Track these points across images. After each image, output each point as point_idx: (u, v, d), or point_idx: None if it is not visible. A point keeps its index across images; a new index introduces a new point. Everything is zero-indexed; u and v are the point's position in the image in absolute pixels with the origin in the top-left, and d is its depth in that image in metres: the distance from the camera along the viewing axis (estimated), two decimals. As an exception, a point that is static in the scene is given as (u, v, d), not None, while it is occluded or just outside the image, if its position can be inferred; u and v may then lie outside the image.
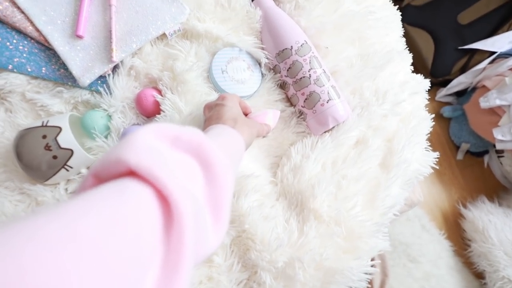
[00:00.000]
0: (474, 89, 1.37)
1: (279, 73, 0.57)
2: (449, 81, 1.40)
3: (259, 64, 0.58)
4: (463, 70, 1.38)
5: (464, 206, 1.33)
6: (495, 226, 1.19)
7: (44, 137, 0.48)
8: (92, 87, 0.53)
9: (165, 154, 0.25)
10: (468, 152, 1.42)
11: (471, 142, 1.37)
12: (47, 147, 0.48)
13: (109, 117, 0.54)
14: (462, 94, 1.44)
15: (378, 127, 0.57)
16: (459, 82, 1.37)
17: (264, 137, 0.57)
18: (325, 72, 0.56)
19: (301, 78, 0.55)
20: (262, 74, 0.58)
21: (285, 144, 0.58)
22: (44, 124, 0.49)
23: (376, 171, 0.54)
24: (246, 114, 0.52)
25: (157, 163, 0.22)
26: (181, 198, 0.22)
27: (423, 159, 0.60)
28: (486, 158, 1.43)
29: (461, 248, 1.29)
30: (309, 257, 0.45)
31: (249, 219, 0.47)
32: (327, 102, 0.54)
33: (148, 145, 0.24)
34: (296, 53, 0.55)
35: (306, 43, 0.56)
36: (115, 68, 0.54)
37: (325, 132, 0.57)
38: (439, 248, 1.27)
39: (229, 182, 0.29)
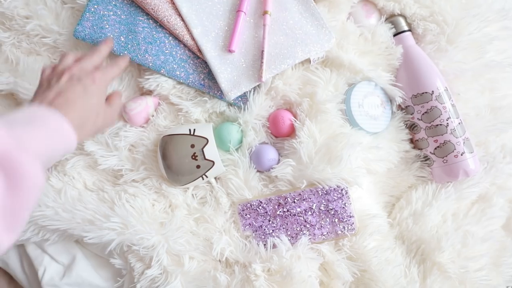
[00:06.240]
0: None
1: (411, 114, 0.57)
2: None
3: (390, 101, 0.58)
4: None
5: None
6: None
7: (193, 146, 0.50)
8: (232, 101, 0.55)
9: None
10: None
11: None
12: (194, 157, 0.50)
13: (242, 132, 0.55)
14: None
15: (502, 186, 0.56)
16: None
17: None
18: (461, 123, 0.55)
19: (437, 125, 0.54)
20: (392, 111, 0.58)
21: (403, 185, 0.58)
22: (192, 133, 0.51)
23: (500, 233, 0.53)
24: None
25: None
26: None
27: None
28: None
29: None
30: (433, 312, 0.45)
31: (374, 261, 0.48)
32: (461, 155, 0.53)
33: None
34: (436, 99, 0.54)
35: (447, 90, 0.55)
36: (255, 86, 0.55)
37: (448, 182, 0.56)
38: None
39: (35, 195, 0.30)
